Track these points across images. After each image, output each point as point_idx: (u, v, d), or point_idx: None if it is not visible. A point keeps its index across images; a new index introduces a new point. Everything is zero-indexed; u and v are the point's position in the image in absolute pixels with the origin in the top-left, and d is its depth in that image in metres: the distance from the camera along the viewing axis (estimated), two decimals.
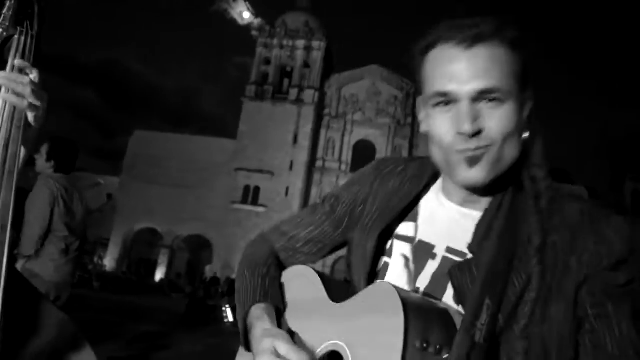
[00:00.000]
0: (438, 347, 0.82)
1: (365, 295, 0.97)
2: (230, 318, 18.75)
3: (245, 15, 47.85)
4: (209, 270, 33.56)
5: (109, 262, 42.02)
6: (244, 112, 45.72)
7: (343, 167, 44.78)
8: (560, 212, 0.97)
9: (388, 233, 1.13)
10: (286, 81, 47.25)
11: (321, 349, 1.01)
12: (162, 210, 43.27)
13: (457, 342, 0.83)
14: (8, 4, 1.21)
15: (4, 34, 1.18)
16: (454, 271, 0.96)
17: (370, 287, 0.98)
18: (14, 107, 1.13)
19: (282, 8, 51.79)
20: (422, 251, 1.07)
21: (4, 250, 0.95)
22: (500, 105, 0.95)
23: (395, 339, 0.82)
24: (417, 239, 1.09)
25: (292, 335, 1.03)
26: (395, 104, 45.86)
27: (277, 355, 0.94)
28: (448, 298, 0.98)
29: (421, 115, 1.07)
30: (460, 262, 0.99)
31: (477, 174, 0.97)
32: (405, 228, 1.12)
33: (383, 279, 1.10)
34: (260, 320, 1.06)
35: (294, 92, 45.89)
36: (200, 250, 44.43)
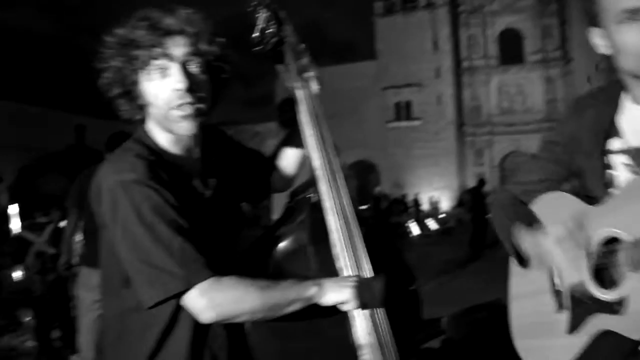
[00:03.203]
0: None
1: (626, 191, 1.26)
2: (415, 232, 19.74)
3: None
4: (378, 192, 34.87)
5: None
6: (378, 30, 44.91)
7: (492, 62, 42.63)
8: None
9: (603, 152, 1.37)
10: None
11: (594, 241, 1.27)
12: None
13: None
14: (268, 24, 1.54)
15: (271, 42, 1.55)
16: None
17: (628, 184, 1.27)
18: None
19: None
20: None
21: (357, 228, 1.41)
22: None
23: None
24: (632, 148, 1.31)
25: None
26: None
27: (569, 229, 1.27)
28: None
29: (598, 35, 1.32)
30: None
31: None
32: (615, 144, 1.35)
33: (615, 186, 1.34)
34: (526, 232, 1.43)
35: None
36: (367, 174, 45.74)
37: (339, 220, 1.38)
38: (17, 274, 5.62)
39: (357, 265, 1.36)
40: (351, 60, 48.30)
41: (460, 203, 33.86)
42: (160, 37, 1.28)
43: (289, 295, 1.26)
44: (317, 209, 1.43)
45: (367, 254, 1.38)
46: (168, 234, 1.22)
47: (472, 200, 14.66)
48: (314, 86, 1.61)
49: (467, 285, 8.73)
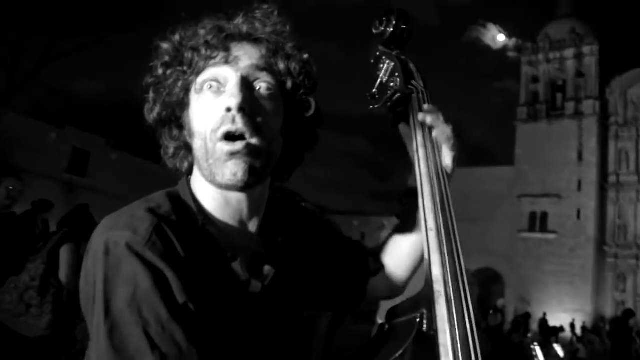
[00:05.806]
0: None
1: None
2: (541, 357, 17.66)
3: (499, 38, 46.76)
4: (501, 304, 32.58)
5: None
6: (519, 136, 44.06)
7: None
8: None
9: None
10: (559, 96, 44.19)
11: None
12: None
13: None
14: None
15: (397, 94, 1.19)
16: None
17: None
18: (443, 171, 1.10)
19: (539, 22, 49.05)
20: None
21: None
22: None
23: None
24: None
25: None
26: None
27: None
28: None
29: None
30: None
31: None
32: None
33: None
34: None
35: (570, 106, 42.60)
36: (490, 283, 43.33)
37: None
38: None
39: None
40: (487, 164, 47.48)
41: (595, 331, 30.49)
42: (224, 41, 0.94)
43: None
44: (425, 340, 0.91)
45: None
46: (139, 347, 0.73)
47: (615, 332, 12.83)
48: (447, 161, 1.13)
49: None
